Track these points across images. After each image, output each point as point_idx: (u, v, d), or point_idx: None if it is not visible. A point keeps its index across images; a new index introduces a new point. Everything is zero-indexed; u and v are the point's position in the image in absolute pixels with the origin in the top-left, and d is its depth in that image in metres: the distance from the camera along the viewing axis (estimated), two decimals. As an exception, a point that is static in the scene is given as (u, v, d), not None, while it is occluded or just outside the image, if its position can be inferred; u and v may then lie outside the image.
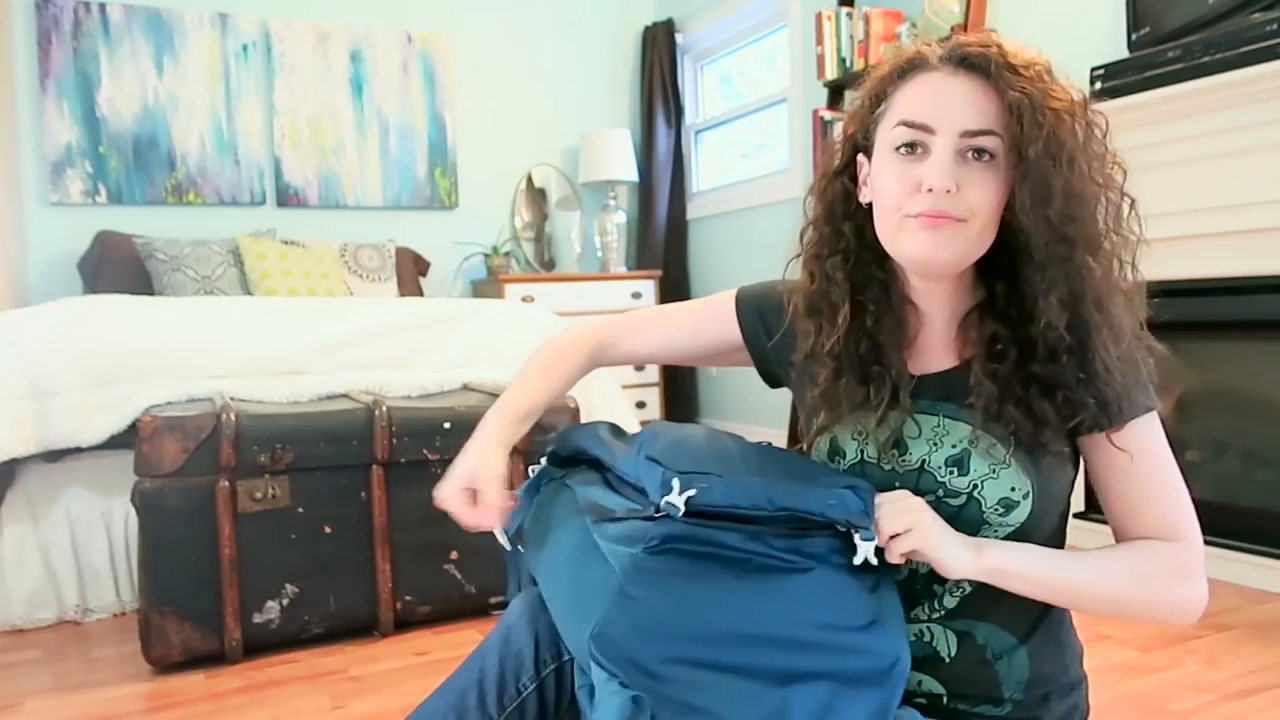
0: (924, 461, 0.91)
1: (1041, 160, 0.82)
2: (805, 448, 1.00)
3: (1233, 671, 1.66)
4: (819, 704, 0.75)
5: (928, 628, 0.92)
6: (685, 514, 0.80)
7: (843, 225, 0.95)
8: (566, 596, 0.90)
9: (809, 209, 0.99)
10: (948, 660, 0.91)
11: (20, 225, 3.57)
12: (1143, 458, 0.88)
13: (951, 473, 0.89)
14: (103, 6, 3.71)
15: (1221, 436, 2.33)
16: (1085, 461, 0.93)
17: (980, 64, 0.85)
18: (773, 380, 1.10)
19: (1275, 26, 1.99)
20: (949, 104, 0.85)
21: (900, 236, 0.87)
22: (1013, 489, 0.88)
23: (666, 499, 0.80)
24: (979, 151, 0.84)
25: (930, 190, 0.84)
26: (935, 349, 0.95)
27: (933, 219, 0.84)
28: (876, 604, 0.80)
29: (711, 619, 0.78)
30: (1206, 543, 2.54)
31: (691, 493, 0.80)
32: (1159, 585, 0.86)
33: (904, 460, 0.92)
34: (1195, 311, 2.23)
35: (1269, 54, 1.99)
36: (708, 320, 1.10)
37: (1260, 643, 1.79)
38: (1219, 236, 2.17)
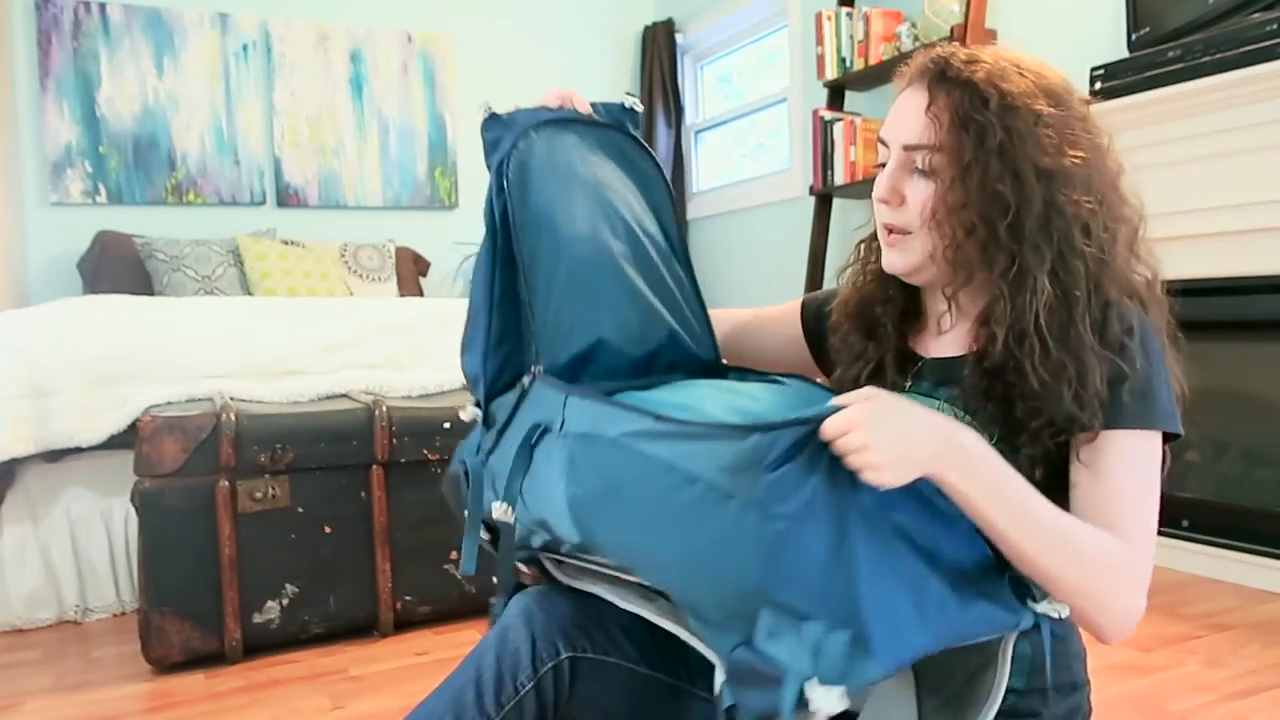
0: None
1: (967, 169, 0.85)
2: None
3: (1233, 671, 1.66)
4: (945, 592, 0.72)
5: None
6: None
7: None
8: (668, 557, 0.77)
9: None
10: None
11: (20, 225, 3.57)
12: (1110, 469, 0.84)
13: None
14: (103, 6, 3.71)
15: (1221, 436, 2.32)
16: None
17: (924, 75, 0.89)
18: (829, 365, 1.11)
19: (1275, 26, 1.99)
20: (895, 119, 0.91)
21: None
22: None
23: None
24: (919, 165, 0.89)
25: (878, 200, 0.91)
26: (955, 336, 0.96)
27: (886, 232, 0.92)
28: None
29: (861, 503, 0.70)
30: (1207, 543, 2.51)
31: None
32: (1097, 572, 0.79)
33: None
34: (1195, 311, 2.19)
35: (1269, 54, 1.99)
36: (780, 315, 1.18)
37: (1260, 643, 1.79)
38: (1219, 236, 2.17)
